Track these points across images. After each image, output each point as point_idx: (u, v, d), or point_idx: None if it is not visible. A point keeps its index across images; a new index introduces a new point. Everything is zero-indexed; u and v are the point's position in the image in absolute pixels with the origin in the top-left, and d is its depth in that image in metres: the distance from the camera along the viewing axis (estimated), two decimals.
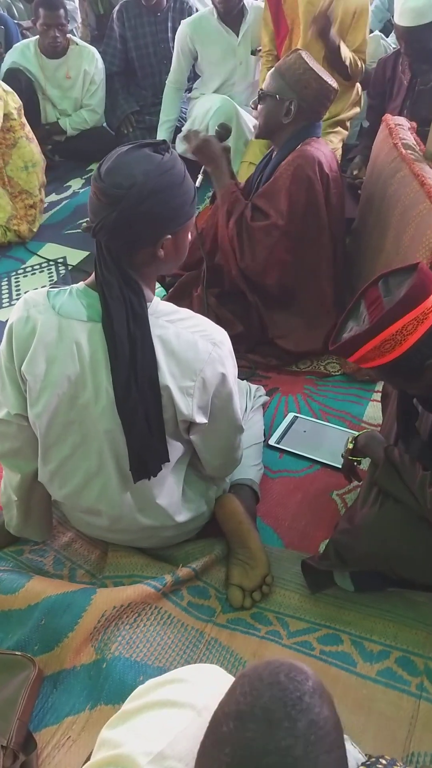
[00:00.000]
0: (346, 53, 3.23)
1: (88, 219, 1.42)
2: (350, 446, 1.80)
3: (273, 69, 2.40)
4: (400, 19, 2.91)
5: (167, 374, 1.46)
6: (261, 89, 2.41)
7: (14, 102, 3.24)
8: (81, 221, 3.65)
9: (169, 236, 1.42)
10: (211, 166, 2.46)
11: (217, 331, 1.53)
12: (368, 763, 0.91)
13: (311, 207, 2.41)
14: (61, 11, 3.81)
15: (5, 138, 3.22)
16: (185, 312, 1.53)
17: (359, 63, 3.34)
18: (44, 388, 1.52)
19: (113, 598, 1.68)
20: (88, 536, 1.91)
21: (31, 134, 3.39)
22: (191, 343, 1.47)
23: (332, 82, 2.33)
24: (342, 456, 1.88)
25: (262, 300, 2.59)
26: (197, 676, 1.00)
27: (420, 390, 1.56)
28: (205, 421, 1.56)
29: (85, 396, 1.51)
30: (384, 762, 0.91)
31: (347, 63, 3.23)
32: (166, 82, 3.95)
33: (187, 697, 0.94)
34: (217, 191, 2.52)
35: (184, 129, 3.81)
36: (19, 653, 1.60)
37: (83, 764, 1.05)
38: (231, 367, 1.57)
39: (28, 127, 3.35)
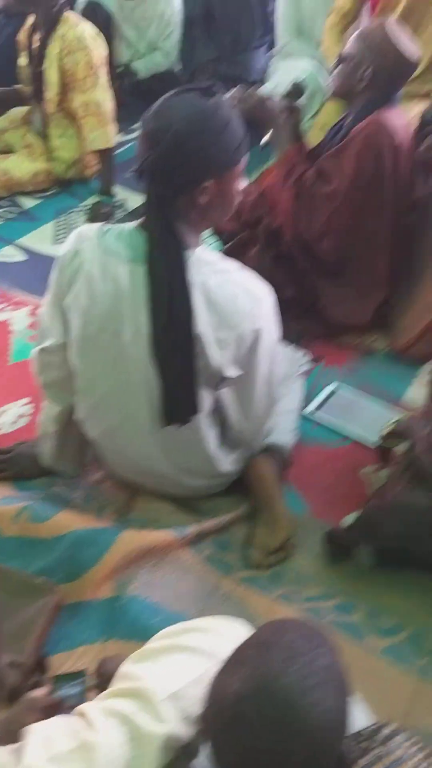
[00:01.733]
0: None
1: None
2: (390, 428, 1.80)
3: (358, 32, 2.34)
4: None
5: (204, 322, 1.47)
6: (342, 52, 2.35)
7: (100, 47, 3.19)
8: None
9: (211, 182, 1.42)
10: (270, 127, 2.41)
11: (259, 287, 1.53)
12: (372, 729, 0.93)
13: (377, 176, 2.36)
14: None
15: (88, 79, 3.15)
16: (231, 264, 1.54)
17: None
18: (86, 324, 1.55)
19: (138, 539, 1.72)
20: (119, 478, 1.96)
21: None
22: (232, 296, 1.47)
23: (412, 55, 2.25)
24: (381, 437, 1.88)
25: (315, 267, 2.56)
26: (223, 628, 1.03)
27: None
28: (235, 374, 1.57)
29: (125, 335, 1.53)
30: (386, 732, 0.93)
31: None
32: (277, 43, 3.82)
33: (210, 646, 0.98)
34: (278, 155, 2.47)
35: (263, 90, 3.72)
36: (42, 579, 1.66)
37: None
38: (271, 325, 1.57)
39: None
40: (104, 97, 3.16)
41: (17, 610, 1.58)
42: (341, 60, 2.34)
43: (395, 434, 1.79)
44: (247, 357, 1.57)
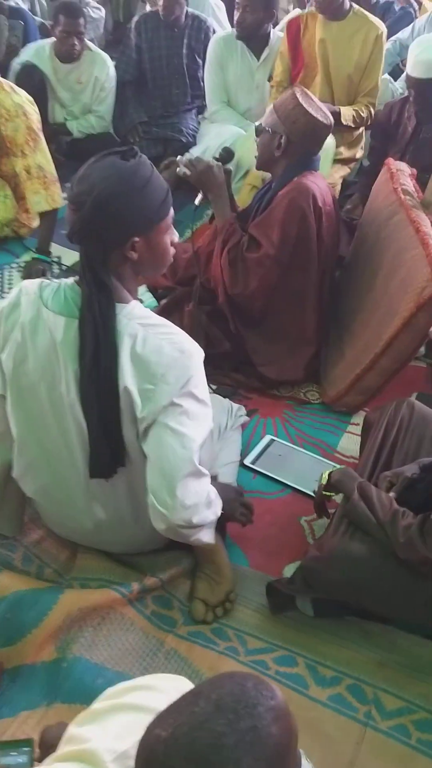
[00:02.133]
0: (347, 114, 3.38)
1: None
2: (324, 481, 1.85)
3: (272, 104, 2.48)
4: (413, 70, 3.03)
5: (129, 375, 1.48)
6: (258, 123, 2.49)
7: (37, 112, 3.25)
8: None
9: (138, 238, 1.48)
10: (212, 195, 2.50)
11: (186, 341, 1.53)
12: None
13: (302, 237, 2.47)
14: (81, 19, 3.83)
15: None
16: (161, 320, 1.56)
17: (364, 113, 3.50)
18: (21, 376, 1.56)
19: (79, 599, 1.71)
20: (58, 536, 1.94)
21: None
22: (156, 347, 1.48)
23: (323, 119, 2.38)
24: (314, 491, 1.93)
25: (246, 327, 2.65)
26: (166, 685, 1.04)
27: None
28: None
29: (59, 389, 1.55)
30: None
31: (350, 123, 3.40)
32: (209, 111, 4.04)
33: (155, 703, 0.98)
34: (217, 220, 2.57)
35: (194, 151, 3.87)
36: None
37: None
38: (198, 377, 1.53)
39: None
40: (46, 160, 3.21)
41: None
42: (258, 132, 2.47)
43: (330, 486, 1.84)
44: (170, 409, 1.51)
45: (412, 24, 4.52)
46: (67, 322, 1.51)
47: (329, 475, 1.83)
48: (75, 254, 3.33)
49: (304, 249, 2.50)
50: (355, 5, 3.48)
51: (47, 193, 3.18)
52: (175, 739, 0.76)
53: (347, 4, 3.45)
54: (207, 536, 1.68)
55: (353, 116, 3.50)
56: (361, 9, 3.50)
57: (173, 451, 1.50)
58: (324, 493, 1.86)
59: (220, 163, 2.50)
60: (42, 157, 3.18)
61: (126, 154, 1.47)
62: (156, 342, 1.49)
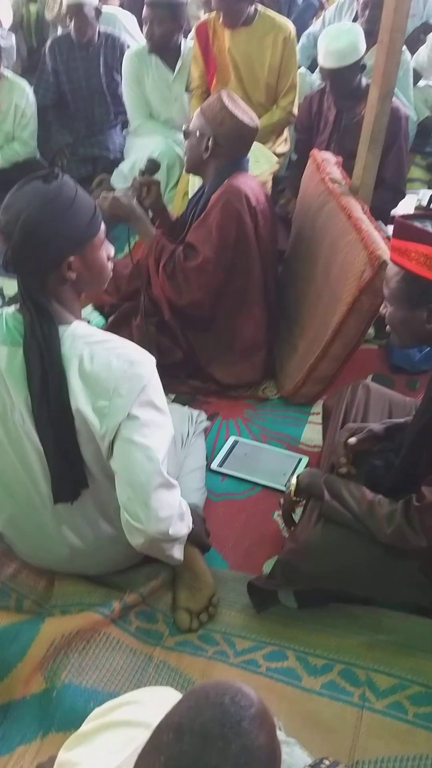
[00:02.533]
0: (269, 122, 3.50)
1: None
2: (292, 488, 1.83)
3: (199, 108, 2.50)
4: (325, 61, 3.08)
5: (80, 397, 1.47)
6: (185, 127, 2.51)
7: None
8: None
9: (72, 258, 1.48)
10: (130, 221, 2.54)
11: (135, 352, 1.53)
12: (313, 764, 0.96)
13: (241, 239, 2.49)
14: None
15: None
16: (106, 335, 1.56)
17: (285, 115, 3.57)
18: None
19: (61, 626, 1.69)
20: (33, 566, 1.92)
21: None
22: (105, 363, 1.48)
23: (249, 121, 2.41)
24: (281, 502, 1.91)
25: (197, 336, 2.66)
26: (151, 696, 1.03)
27: (411, 339, 1.60)
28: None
29: (13, 418, 1.54)
30: (327, 762, 0.96)
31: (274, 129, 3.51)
32: (132, 126, 4.04)
33: (141, 716, 0.97)
34: (144, 243, 2.58)
35: (123, 167, 3.88)
36: None
37: None
38: (151, 385, 1.52)
39: None
40: None
41: None
42: (185, 135, 2.50)
43: (300, 491, 1.82)
44: (130, 422, 1.50)
45: (321, 16, 4.60)
46: (10, 351, 1.50)
47: (297, 480, 1.83)
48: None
49: (244, 250, 2.51)
50: (260, 7, 3.47)
51: None
52: None
53: (251, 9, 3.43)
54: (178, 552, 1.69)
55: (276, 122, 3.60)
56: (267, 11, 3.50)
57: (140, 465, 1.50)
58: (293, 499, 1.84)
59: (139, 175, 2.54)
60: None
61: (48, 177, 1.46)
62: (103, 357, 1.48)
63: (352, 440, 1.76)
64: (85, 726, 1.01)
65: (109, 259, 1.59)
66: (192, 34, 3.77)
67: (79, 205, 1.48)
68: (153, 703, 0.99)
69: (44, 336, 1.47)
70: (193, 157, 2.50)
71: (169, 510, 1.55)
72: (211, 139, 2.41)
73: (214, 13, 3.52)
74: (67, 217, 1.45)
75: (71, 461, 1.55)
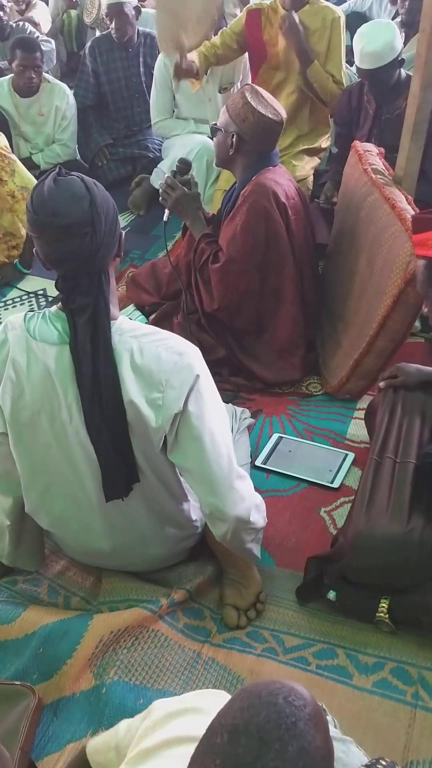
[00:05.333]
0: (317, 75, 3.36)
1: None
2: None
3: (225, 104, 2.49)
4: (361, 62, 3.03)
5: (132, 389, 1.48)
6: (214, 123, 2.51)
7: (2, 136, 3.30)
8: None
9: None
10: (188, 220, 2.58)
11: (182, 343, 1.53)
12: (369, 764, 0.94)
13: (271, 237, 2.46)
14: (38, 53, 3.86)
15: None
16: (150, 328, 1.56)
17: (331, 87, 3.45)
18: (18, 412, 1.55)
19: (110, 623, 1.70)
20: (81, 564, 1.93)
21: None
22: (154, 355, 1.48)
23: (273, 115, 2.38)
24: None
25: (234, 336, 2.65)
26: (212, 705, 1.01)
27: None
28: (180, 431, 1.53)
29: (60, 417, 1.54)
30: (384, 763, 0.94)
31: (316, 86, 3.37)
32: (152, 123, 4.03)
33: (200, 728, 0.96)
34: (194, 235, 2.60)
35: (162, 166, 3.87)
36: (18, 683, 1.61)
37: None
38: (203, 375, 1.53)
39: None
40: (26, 179, 3.32)
41: None
42: (212, 132, 2.52)
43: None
44: (188, 410, 1.51)
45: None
46: (58, 350, 1.50)
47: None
48: None
49: (275, 248, 2.49)
50: None
51: None
52: None
53: None
54: (256, 548, 1.74)
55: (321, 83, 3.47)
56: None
57: (213, 460, 1.55)
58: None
59: (186, 187, 2.55)
60: (20, 178, 3.26)
61: (60, 174, 1.43)
62: (153, 350, 1.49)
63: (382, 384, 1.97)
64: (146, 741, 0.99)
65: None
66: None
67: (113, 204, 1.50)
68: (212, 712, 0.97)
69: (95, 332, 1.46)
70: (221, 153, 2.51)
71: (247, 498, 1.63)
72: (235, 136, 2.41)
73: (268, 2, 3.47)
74: (116, 216, 1.49)
75: (124, 455, 1.55)
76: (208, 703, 1.02)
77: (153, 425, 1.50)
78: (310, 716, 0.79)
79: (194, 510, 1.80)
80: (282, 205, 2.44)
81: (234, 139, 2.41)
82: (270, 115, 2.37)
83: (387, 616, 1.70)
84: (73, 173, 1.45)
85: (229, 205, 2.57)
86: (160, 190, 2.57)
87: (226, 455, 1.57)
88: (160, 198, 2.58)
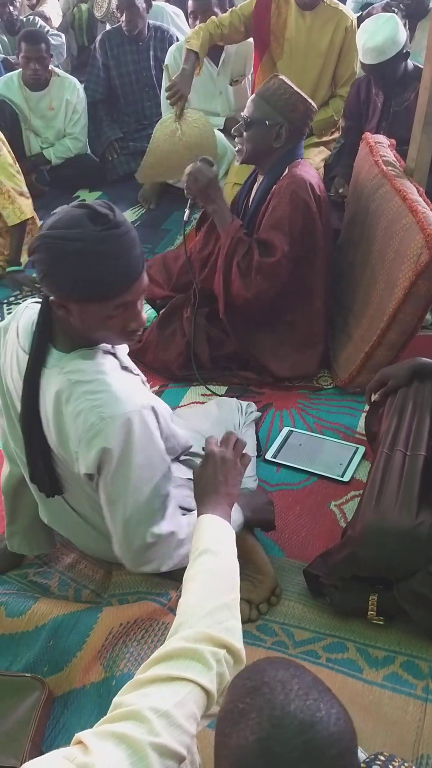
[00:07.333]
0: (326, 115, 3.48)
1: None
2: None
3: (254, 95, 2.44)
4: (364, 57, 3.02)
5: (51, 433, 1.46)
6: (246, 116, 2.40)
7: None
8: None
9: (72, 305, 1.39)
10: (214, 206, 2.49)
11: (113, 405, 1.36)
12: (367, 760, 0.94)
13: (308, 230, 2.43)
14: (42, 45, 3.86)
15: None
16: (99, 373, 1.41)
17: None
18: (2, 395, 1.62)
19: (120, 615, 1.70)
20: (91, 557, 1.94)
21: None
22: (74, 412, 1.38)
23: (313, 104, 2.40)
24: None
25: (252, 331, 2.61)
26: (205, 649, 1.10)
27: None
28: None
29: (16, 410, 1.58)
30: (383, 758, 0.94)
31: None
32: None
33: (194, 675, 1.03)
34: (220, 231, 2.52)
35: None
36: (29, 675, 1.62)
37: None
38: (118, 450, 1.37)
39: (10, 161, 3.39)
40: (6, 175, 3.32)
41: (8, 712, 1.53)
42: (248, 125, 2.39)
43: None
44: (103, 478, 1.43)
45: None
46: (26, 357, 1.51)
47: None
48: None
49: (310, 241, 2.46)
50: None
51: (14, 206, 3.35)
52: (277, 725, 0.77)
53: None
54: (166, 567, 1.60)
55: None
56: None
57: (123, 525, 1.48)
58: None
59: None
60: (1, 174, 3.26)
61: (99, 219, 1.32)
62: (76, 404, 1.38)
63: (376, 397, 2.00)
64: (139, 675, 1.05)
65: (130, 330, 1.44)
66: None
67: (110, 261, 1.32)
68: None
69: (34, 355, 1.44)
70: (260, 147, 2.41)
71: (157, 559, 1.54)
72: (284, 127, 2.36)
73: None
74: (83, 269, 1.30)
75: (50, 470, 1.55)
76: (200, 647, 1.10)
77: (73, 469, 1.47)
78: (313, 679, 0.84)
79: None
80: (318, 197, 2.42)
81: (282, 131, 2.36)
82: (312, 103, 2.38)
83: (375, 614, 1.71)
84: (114, 233, 1.33)
85: (248, 199, 2.53)
86: (185, 177, 2.47)
87: (144, 521, 1.46)
88: (185, 186, 2.48)
